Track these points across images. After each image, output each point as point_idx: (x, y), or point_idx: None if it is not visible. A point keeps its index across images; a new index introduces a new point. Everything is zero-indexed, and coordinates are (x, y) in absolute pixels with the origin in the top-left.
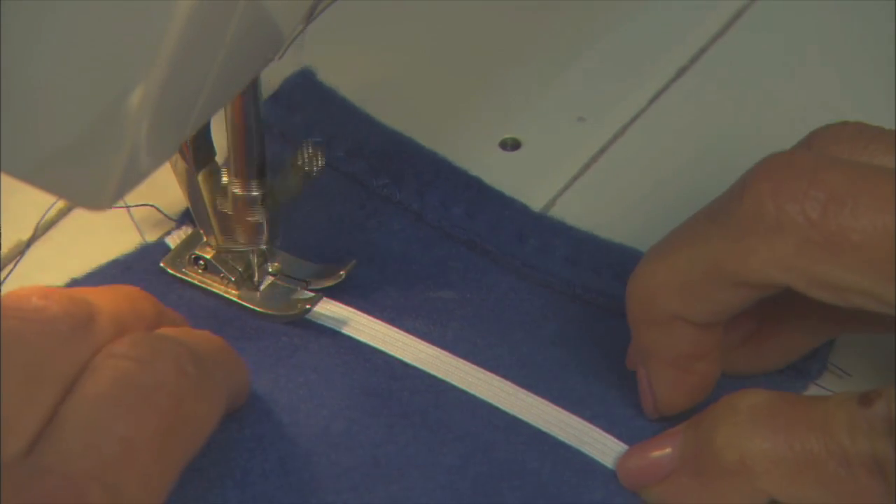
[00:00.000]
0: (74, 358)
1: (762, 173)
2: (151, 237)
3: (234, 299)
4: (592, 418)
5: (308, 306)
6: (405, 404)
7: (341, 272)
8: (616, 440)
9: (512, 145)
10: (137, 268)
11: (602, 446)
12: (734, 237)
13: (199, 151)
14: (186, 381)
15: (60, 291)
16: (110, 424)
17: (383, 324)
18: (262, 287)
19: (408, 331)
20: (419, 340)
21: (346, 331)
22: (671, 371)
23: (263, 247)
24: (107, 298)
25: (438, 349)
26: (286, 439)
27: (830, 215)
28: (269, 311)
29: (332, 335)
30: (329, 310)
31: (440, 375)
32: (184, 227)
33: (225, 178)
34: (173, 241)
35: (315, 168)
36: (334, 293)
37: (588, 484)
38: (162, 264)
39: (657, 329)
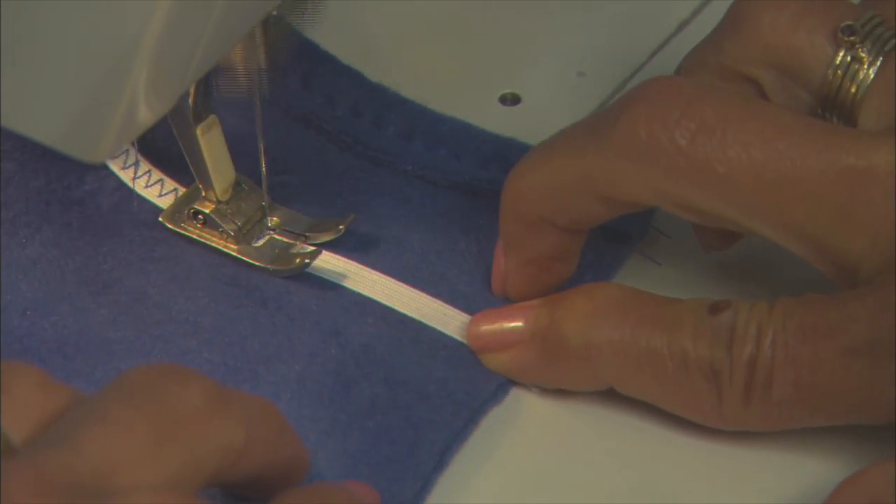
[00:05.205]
0: None
1: (641, 97)
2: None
3: (233, 254)
4: (437, 295)
5: (308, 261)
6: (262, 291)
7: (340, 226)
8: (460, 312)
9: (512, 100)
10: None
11: (444, 317)
12: (607, 156)
13: (197, 104)
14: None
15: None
16: None
17: None
18: (260, 242)
19: None
20: None
21: None
22: (529, 268)
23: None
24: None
25: None
26: (161, 338)
27: (699, 145)
28: (269, 266)
29: None
30: None
31: None
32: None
33: None
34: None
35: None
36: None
37: (432, 363)
38: (160, 218)
39: (524, 228)
